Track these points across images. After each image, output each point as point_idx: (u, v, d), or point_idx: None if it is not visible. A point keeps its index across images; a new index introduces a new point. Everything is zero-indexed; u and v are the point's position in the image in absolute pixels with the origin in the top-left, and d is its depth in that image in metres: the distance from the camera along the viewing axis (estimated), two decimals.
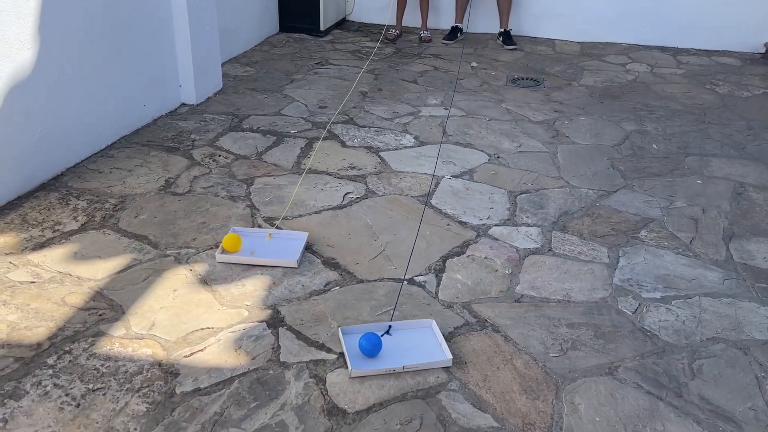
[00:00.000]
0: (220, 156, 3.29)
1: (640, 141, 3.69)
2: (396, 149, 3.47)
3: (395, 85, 4.48)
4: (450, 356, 1.97)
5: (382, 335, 2.03)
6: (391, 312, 2.18)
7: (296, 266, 2.39)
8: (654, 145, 3.64)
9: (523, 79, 4.76)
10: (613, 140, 3.70)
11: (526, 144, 3.60)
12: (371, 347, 1.96)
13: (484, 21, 5.81)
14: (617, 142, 3.67)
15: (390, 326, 2.08)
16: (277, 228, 2.65)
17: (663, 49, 5.54)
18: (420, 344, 2.04)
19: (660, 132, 3.82)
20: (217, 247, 2.49)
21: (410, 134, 3.68)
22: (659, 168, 3.36)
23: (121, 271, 2.34)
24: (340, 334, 2.04)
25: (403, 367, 1.94)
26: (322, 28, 5.58)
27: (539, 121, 3.96)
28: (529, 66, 5.05)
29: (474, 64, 5.04)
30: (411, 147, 3.51)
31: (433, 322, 2.12)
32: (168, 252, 2.46)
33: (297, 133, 3.62)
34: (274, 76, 4.59)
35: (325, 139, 3.55)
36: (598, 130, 3.84)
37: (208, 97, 4.07)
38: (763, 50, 5.39)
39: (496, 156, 3.43)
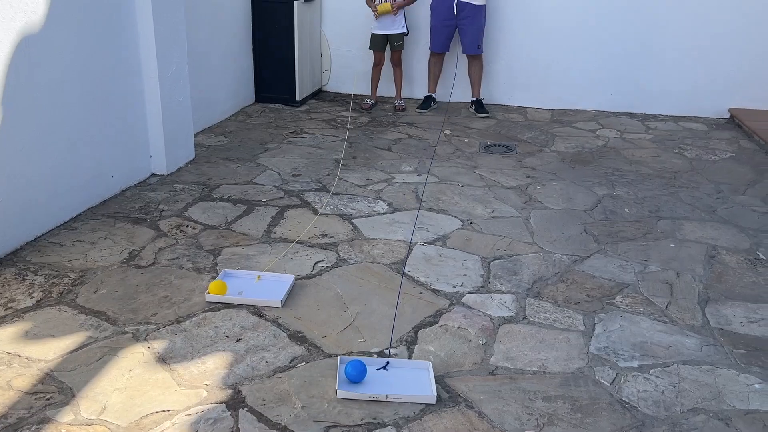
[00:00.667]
0: (187, 226, 3.23)
1: (612, 205, 3.70)
2: (369, 216, 3.44)
3: (370, 153, 4.49)
4: (435, 393, 2.05)
5: (378, 369, 2.16)
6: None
7: (280, 306, 2.53)
8: (626, 209, 3.64)
9: (495, 145, 4.81)
10: (585, 205, 3.70)
11: (499, 209, 3.59)
12: (356, 373, 2.09)
13: (456, 90, 5.92)
14: (590, 207, 3.67)
15: (388, 362, 2.21)
16: (267, 270, 2.80)
17: (631, 115, 5.66)
18: (411, 380, 2.13)
19: (632, 196, 3.84)
20: (179, 321, 2.39)
21: (384, 201, 3.65)
22: (632, 232, 3.35)
23: (75, 350, 2.22)
24: (338, 362, 2.18)
25: (387, 396, 2.04)
26: (297, 98, 5.64)
27: (512, 186, 3.97)
28: (502, 133, 5.12)
29: (447, 131, 5.10)
30: (384, 213, 3.48)
31: (430, 364, 2.19)
32: (126, 329, 2.36)
33: (269, 201, 3.58)
34: (248, 145, 4.59)
35: (297, 207, 3.51)
36: (571, 194, 3.85)
37: (180, 167, 4.04)
38: (727, 116, 5.54)
39: (470, 222, 3.41)
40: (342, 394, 2.04)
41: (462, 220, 3.42)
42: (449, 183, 3.97)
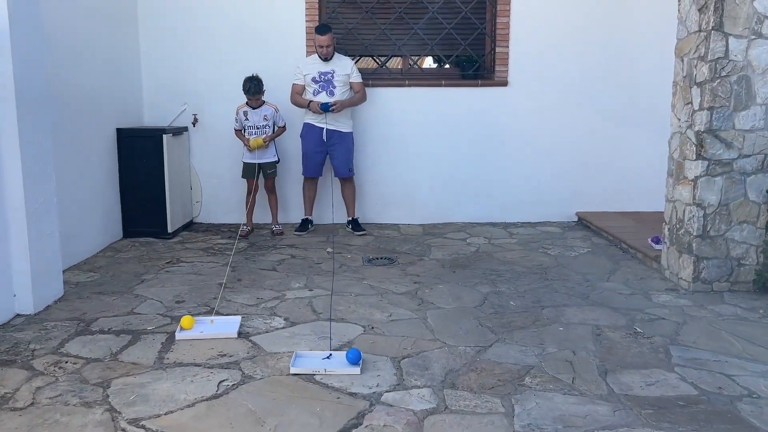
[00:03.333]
0: (67, 362, 2.90)
1: (497, 300, 3.89)
2: (267, 332, 3.31)
3: (255, 275, 4.40)
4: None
5: (323, 359, 2.91)
6: None
7: (236, 337, 3.20)
8: (511, 302, 3.85)
9: (377, 258, 4.94)
10: (474, 302, 3.86)
11: (396, 313, 3.63)
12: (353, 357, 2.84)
13: (330, 212, 6.09)
14: (478, 303, 3.83)
15: (330, 354, 2.95)
16: (216, 314, 3.48)
17: (494, 224, 6.13)
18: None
19: (513, 291, 4.08)
20: None
21: (279, 316, 3.56)
22: (522, 321, 3.52)
23: None
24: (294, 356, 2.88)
25: (325, 370, 2.79)
26: (169, 230, 5.48)
27: (402, 292, 4.05)
28: (381, 247, 5.29)
29: (329, 249, 5.17)
30: (283, 328, 3.37)
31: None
32: None
33: (155, 329, 3.34)
34: (121, 278, 4.32)
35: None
36: (458, 294, 4.00)
37: (48, 306, 3.68)
38: (576, 218, 6.18)
39: (371, 327, 3.40)
40: (294, 369, 2.78)
41: (363, 326, 3.41)
42: (342, 294, 3.98)
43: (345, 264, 4.76)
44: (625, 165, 6.13)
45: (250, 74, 5.46)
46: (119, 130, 5.37)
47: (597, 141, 6.10)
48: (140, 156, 5.39)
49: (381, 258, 4.95)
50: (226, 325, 3.33)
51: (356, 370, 2.81)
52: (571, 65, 5.98)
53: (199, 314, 3.57)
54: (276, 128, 5.72)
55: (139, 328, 3.36)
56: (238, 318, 3.41)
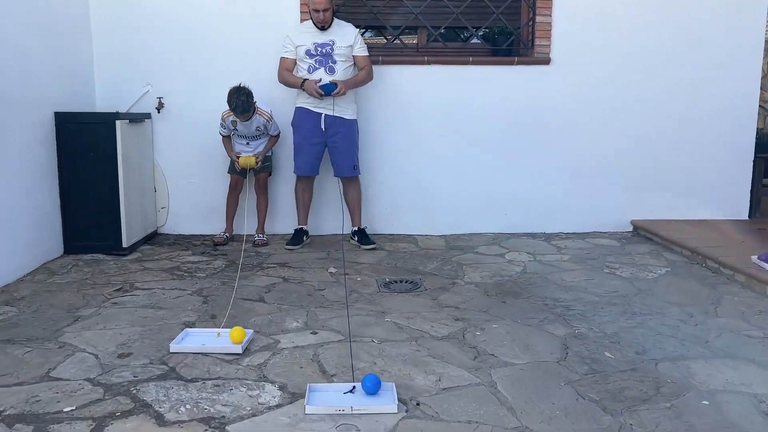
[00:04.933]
0: None
1: (585, 349, 2.72)
2: (253, 416, 2.11)
3: (235, 308, 3.19)
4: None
5: (345, 393, 2.20)
6: None
7: (240, 352, 2.58)
8: (607, 353, 2.68)
9: (397, 282, 3.76)
10: (551, 351, 2.69)
11: (446, 374, 2.45)
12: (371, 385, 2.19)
13: (330, 221, 4.90)
14: (559, 355, 2.66)
15: (354, 387, 2.23)
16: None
17: (532, 235, 4.97)
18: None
19: (598, 333, 2.91)
20: None
21: (272, 383, 2.35)
22: (639, 387, 2.35)
23: None
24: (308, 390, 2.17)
25: (351, 408, 2.08)
26: (125, 245, 4.24)
27: (444, 335, 2.87)
28: (398, 266, 4.10)
29: (332, 269, 3.98)
30: (278, 407, 2.16)
31: (393, 384, 2.21)
32: None
33: (74, 411, 2.12)
34: (47, 315, 3.08)
35: (126, 414, 2.09)
36: (524, 339, 2.83)
37: None
38: (630, 228, 5.04)
39: (414, 402, 2.21)
40: (310, 409, 2.09)
41: (402, 400, 2.21)
42: (360, 339, 2.78)
43: (355, 290, 3.57)
44: (689, 164, 5.01)
45: (236, 84, 4.26)
46: (58, 115, 4.12)
47: (658, 134, 4.98)
48: (87, 148, 4.15)
49: (401, 281, 3.76)
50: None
51: (392, 407, 2.12)
52: (628, 40, 4.85)
53: (149, 379, 2.35)
54: (269, 138, 4.59)
55: (50, 410, 2.13)
56: (250, 332, 2.80)
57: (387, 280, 3.80)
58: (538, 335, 2.89)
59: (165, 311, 3.16)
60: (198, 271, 3.91)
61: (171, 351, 2.61)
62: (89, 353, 2.61)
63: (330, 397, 2.19)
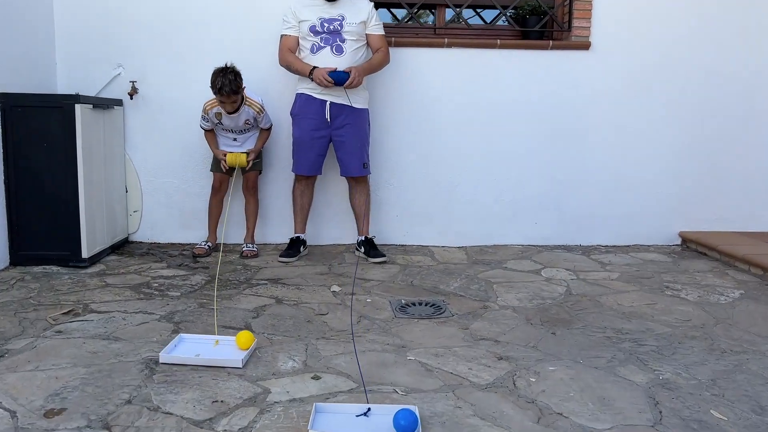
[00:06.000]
0: None
1: (682, 405, 2.02)
2: None
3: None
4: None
5: (357, 416, 1.85)
6: None
7: (240, 366, 2.17)
8: (714, 412, 1.98)
9: (415, 305, 3.06)
10: (639, 409, 1.98)
11: None
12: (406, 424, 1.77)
13: (331, 228, 4.20)
14: (651, 415, 1.95)
15: (369, 408, 1.87)
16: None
17: (567, 248, 4.28)
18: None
19: (690, 380, 2.22)
20: None
21: None
22: None
23: None
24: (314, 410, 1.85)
25: None
26: (84, 255, 3.51)
27: (488, 382, 2.17)
28: (415, 284, 3.40)
29: (336, 288, 3.27)
30: None
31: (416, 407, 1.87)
32: None
33: None
34: None
35: None
36: (596, 389, 2.13)
37: None
38: (678, 240, 4.36)
39: None
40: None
41: None
42: (378, 390, 2.07)
43: (365, 315, 2.86)
44: (748, 168, 4.35)
45: (222, 65, 3.56)
46: (3, 97, 3.41)
47: (713, 133, 4.31)
48: (39, 138, 3.44)
49: (421, 304, 3.06)
50: (234, 351, 2.35)
51: None
52: (680, 25, 4.18)
53: None
54: (261, 132, 3.89)
55: None
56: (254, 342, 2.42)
57: (403, 302, 3.10)
58: (613, 383, 2.18)
59: (122, 344, 2.43)
60: (171, 288, 3.20)
61: (161, 361, 2.23)
62: (4, 408, 1.88)
63: (338, 421, 1.83)
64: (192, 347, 2.38)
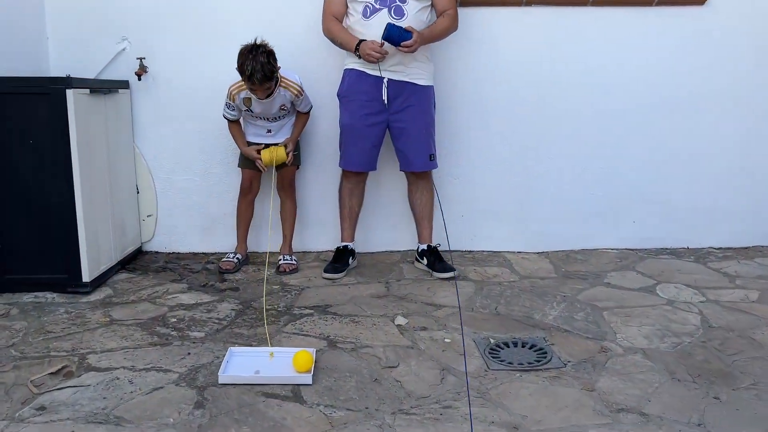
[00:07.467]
0: None
1: None
2: None
3: (255, 416, 1.77)
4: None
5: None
6: None
7: (311, 383, 1.98)
8: None
9: (509, 345, 2.33)
10: None
11: None
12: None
13: (381, 232, 3.47)
14: None
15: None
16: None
17: (672, 252, 3.50)
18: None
19: None
20: None
21: None
22: None
23: None
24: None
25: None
26: (86, 278, 2.82)
27: None
28: (501, 312, 2.66)
29: (402, 320, 2.54)
30: None
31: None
32: None
33: None
34: None
35: None
36: None
37: None
38: None
39: None
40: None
41: None
42: None
43: (447, 367, 2.14)
44: None
45: (251, 42, 2.79)
46: None
47: None
48: (22, 133, 2.73)
49: (516, 344, 2.33)
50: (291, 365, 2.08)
51: None
52: None
53: None
54: (298, 117, 3.13)
55: None
56: (312, 350, 2.14)
57: (492, 341, 2.37)
58: None
59: (127, 428, 1.74)
60: (193, 325, 2.49)
61: (220, 382, 1.98)
62: None
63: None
64: (246, 363, 2.12)
